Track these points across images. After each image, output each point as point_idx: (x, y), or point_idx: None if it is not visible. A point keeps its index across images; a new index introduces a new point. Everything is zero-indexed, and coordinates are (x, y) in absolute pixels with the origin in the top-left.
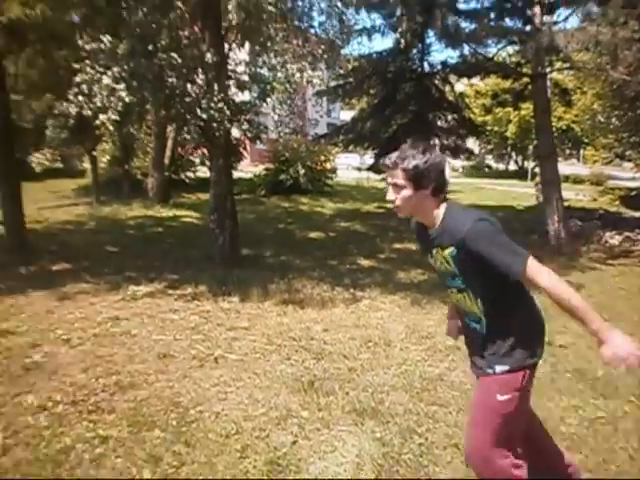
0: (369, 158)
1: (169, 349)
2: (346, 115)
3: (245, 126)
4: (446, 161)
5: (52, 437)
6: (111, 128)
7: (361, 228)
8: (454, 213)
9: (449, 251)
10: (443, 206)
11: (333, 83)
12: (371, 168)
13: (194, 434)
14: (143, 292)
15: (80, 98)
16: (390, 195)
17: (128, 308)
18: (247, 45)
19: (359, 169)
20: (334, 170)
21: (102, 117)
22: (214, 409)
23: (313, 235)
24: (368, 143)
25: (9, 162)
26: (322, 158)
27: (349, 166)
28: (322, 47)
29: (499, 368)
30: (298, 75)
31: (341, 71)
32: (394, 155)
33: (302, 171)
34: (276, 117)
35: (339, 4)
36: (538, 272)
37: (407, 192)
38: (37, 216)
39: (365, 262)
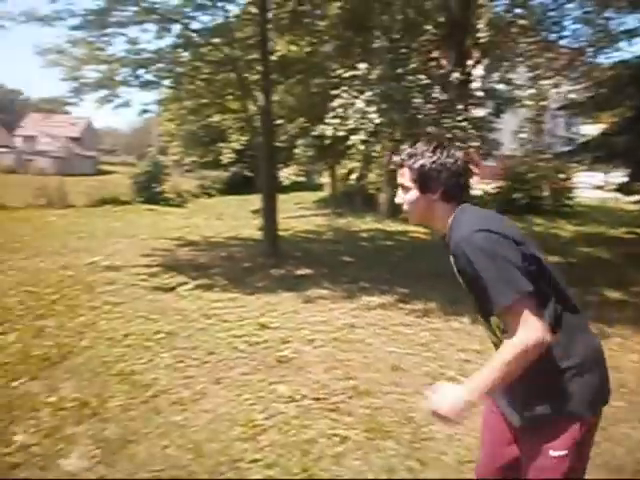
0: (618, 176)
1: (401, 362)
2: (588, 129)
3: (477, 142)
4: (463, 162)
5: (300, 427)
6: (361, 147)
7: (606, 255)
8: (461, 218)
9: (453, 261)
10: (456, 211)
11: (581, 95)
12: (620, 189)
13: (427, 453)
14: (376, 303)
15: (335, 121)
16: (398, 197)
17: (362, 317)
18: (483, 61)
19: (601, 188)
20: (573, 189)
21: (354, 138)
22: (447, 431)
23: (548, 259)
24: (620, 160)
25: (270, 177)
26: (562, 176)
27: (589, 185)
28: (580, 59)
29: (546, 413)
30: (553, 91)
31: (591, 82)
32: (404, 152)
33: (546, 192)
34: (523, 135)
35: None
36: (531, 324)
37: (412, 194)
38: (284, 225)
39: (613, 294)
